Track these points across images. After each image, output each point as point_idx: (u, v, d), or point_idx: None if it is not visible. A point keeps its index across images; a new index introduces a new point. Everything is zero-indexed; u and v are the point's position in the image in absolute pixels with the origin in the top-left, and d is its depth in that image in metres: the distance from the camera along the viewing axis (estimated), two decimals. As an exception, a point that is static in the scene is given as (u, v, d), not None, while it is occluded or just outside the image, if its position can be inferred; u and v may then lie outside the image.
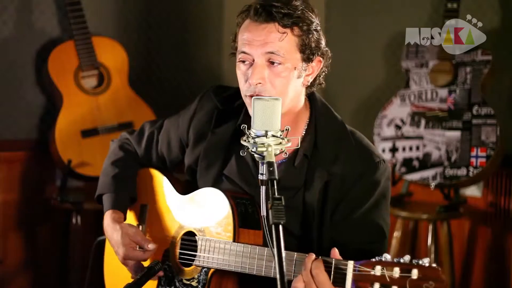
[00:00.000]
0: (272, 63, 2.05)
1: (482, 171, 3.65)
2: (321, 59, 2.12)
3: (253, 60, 2.06)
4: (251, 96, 2.05)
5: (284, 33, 2.04)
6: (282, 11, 2.03)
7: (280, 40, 2.04)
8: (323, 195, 2.11)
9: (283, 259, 1.72)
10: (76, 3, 3.81)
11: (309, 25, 2.07)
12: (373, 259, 1.80)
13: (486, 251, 3.94)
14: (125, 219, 2.32)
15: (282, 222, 1.74)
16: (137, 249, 2.24)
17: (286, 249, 1.87)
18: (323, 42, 2.12)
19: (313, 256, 1.90)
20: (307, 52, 2.08)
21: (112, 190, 2.33)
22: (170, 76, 4.39)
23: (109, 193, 2.33)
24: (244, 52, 2.07)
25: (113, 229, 2.26)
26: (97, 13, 4.06)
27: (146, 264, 2.25)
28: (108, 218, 2.29)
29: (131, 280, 2.24)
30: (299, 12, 2.05)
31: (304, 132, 2.17)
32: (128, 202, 2.35)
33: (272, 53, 2.04)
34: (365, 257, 1.91)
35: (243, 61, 2.08)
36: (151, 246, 2.23)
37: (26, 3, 3.90)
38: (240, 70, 2.10)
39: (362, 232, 2.10)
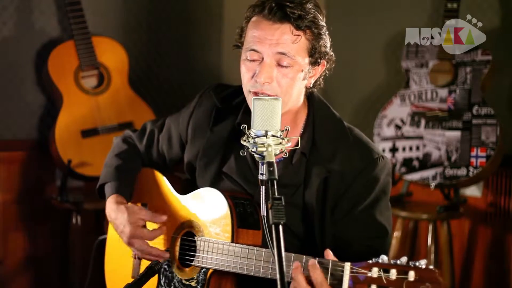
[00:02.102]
0: (281, 64, 2.05)
1: (482, 171, 3.65)
2: (325, 63, 2.14)
3: (262, 58, 2.06)
4: (255, 93, 2.06)
5: (298, 35, 2.04)
6: (297, 12, 2.03)
7: (293, 42, 2.04)
8: (323, 192, 2.11)
9: (283, 259, 1.72)
10: (76, 3, 3.81)
11: (320, 29, 2.08)
12: (370, 261, 1.80)
13: (486, 251, 3.94)
14: None
15: (282, 222, 1.74)
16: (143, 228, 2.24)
17: (287, 249, 1.87)
18: (329, 46, 2.13)
19: (299, 268, 1.89)
20: (316, 56, 2.09)
21: (116, 179, 2.34)
22: (170, 76, 4.39)
23: (113, 181, 2.34)
24: (254, 50, 2.06)
25: (117, 210, 2.25)
26: (97, 13, 4.06)
27: (145, 265, 2.26)
28: (111, 202, 2.29)
29: (131, 280, 2.24)
30: (312, 16, 2.06)
31: (302, 130, 2.18)
32: (130, 192, 2.35)
33: (283, 54, 2.04)
34: (368, 253, 1.91)
35: (251, 59, 2.08)
36: (163, 216, 2.23)
37: (26, 3, 3.90)
38: (246, 66, 2.09)
39: (363, 228, 2.10)
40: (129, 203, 2.29)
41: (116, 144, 2.47)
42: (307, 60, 2.08)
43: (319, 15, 2.08)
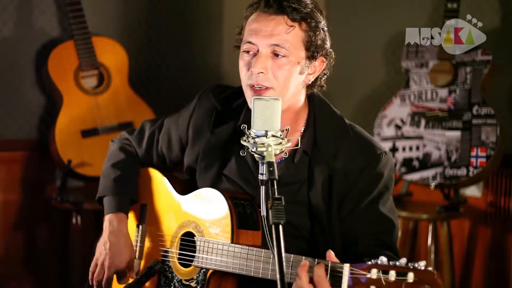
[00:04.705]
0: (277, 55, 2.06)
1: (482, 171, 3.65)
2: (324, 59, 2.13)
3: (258, 50, 2.07)
4: (252, 85, 2.06)
5: (291, 26, 2.05)
6: (293, 5, 2.05)
7: (286, 33, 2.05)
8: (328, 190, 2.11)
9: (283, 259, 1.72)
10: (76, 3, 3.81)
11: (317, 23, 2.09)
12: (369, 262, 1.80)
13: (486, 251, 3.94)
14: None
15: (282, 222, 1.74)
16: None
17: (289, 250, 1.87)
18: (328, 43, 2.13)
19: (307, 266, 1.88)
20: (312, 49, 2.09)
21: (114, 193, 2.32)
22: (170, 76, 4.39)
23: (110, 195, 2.33)
24: (249, 42, 2.07)
25: (109, 236, 2.28)
26: (97, 13, 4.07)
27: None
28: (108, 222, 2.30)
29: (131, 280, 2.24)
30: (309, 9, 2.07)
31: (303, 129, 2.17)
32: (129, 204, 2.35)
33: (277, 45, 2.04)
34: (377, 247, 1.94)
35: (247, 51, 2.09)
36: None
37: (26, 3, 3.90)
38: (243, 60, 2.10)
39: (370, 223, 2.11)
40: (127, 239, 2.30)
41: (112, 152, 2.44)
42: (303, 53, 2.08)
43: (316, 10, 2.09)
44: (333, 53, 2.15)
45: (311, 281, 1.86)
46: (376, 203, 2.11)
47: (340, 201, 2.12)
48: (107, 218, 2.31)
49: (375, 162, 2.12)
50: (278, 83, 2.06)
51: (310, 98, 2.20)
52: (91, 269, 2.31)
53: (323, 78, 2.17)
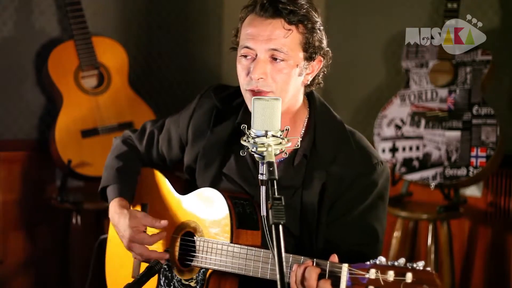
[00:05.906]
0: (275, 59, 2.05)
1: (482, 171, 3.65)
2: (322, 58, 2.13)
3: (256, 55, 2.06)
4: (251, 90, 2.06)
5: (289, 30, 2.04)
6: (289, 7, 2.04)
7: (284, 37, 2.04)
8: (321, 194, 2.11)
9: (283, 259, 1.72)
10: (76, 3, 3.81)
11: (314, 23, 2.08)
12: (368, 262, 1.80)
13: (486, 251, 3.94)
14: None
15: (282, 222, 1.74)
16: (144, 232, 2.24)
17: (285, 248, 1.87)
18: (325, 42, 2.13)
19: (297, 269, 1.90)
20: (310, 51, 2.08)
21: (118, 181, 2.33)
22: (170, 76, 4.39)
23: (114, 184, 2.33)
24: (247, 47, 2.07)
25: (120, 214, 2.25)
26: (97, 13, 4.07)
27: (144, 266, 2.26)
28: (115, 205, 2.28)
29: (131, 280, 2.24)
30: (305, 10, 2.06)
31: (303, 132, 2.17)
32: (132, 194, 2.35)
33: (275, 50, 2.04)
34: (356, 259, 1.90)
35: (245, 56, 2.08)
36: (163, 222, 2.22)
37: (26, 3, 3.90)
38: (241, 64, 2.09)
39: (355, 233, 2.10)
40: (132, 208, 2.29)
41: (116, 145, 2.46)
42: (301, 55, 2.08)
43: (312, 10, 2.09)
44: (330, 51, 2.15)
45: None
46: (366, 213, 2.10)
47: (330, 205, 2.11)
48: (111, 205, 2.30)
49: (370, 171, 2.11)
50: (277, 87, 2.06)
51: (311, 100, 2.20)
52: (134, 257, 2.28)
53: (321, 76, 2.17)
